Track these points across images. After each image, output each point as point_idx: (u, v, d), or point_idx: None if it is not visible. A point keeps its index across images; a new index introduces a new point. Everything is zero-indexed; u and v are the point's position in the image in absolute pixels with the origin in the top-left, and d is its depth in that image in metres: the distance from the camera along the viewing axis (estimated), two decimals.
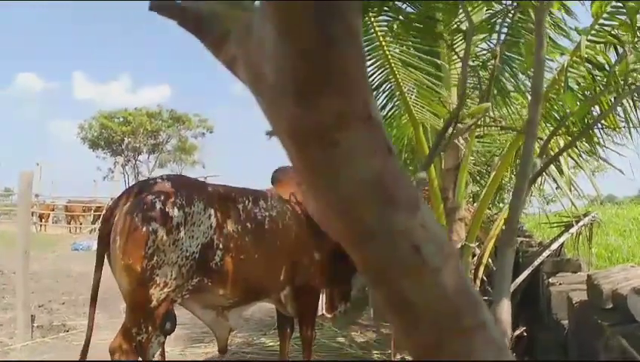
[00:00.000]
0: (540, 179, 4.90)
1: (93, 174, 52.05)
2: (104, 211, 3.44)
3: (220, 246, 3.38)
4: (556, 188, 5.34)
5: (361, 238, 0.69)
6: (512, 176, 5.22)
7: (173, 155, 39.40)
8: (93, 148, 38.53)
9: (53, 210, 26.17)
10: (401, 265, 0.68)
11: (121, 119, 37.54)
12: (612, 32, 3.45)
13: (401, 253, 0.67)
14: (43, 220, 24.97)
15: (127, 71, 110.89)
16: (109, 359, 3.26)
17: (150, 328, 3.19)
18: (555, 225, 5.61)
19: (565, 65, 3.28)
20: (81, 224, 25.93)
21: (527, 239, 6.96)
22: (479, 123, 3.32)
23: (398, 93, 3.54)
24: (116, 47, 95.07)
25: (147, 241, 3.03)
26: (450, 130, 2.35)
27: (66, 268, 12.31)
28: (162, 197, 3.16)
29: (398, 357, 5.19)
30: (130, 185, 3.53)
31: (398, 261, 0.68)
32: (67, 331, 6.26)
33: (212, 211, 3.36)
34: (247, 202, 3.72)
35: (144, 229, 3.04)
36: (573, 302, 3.49)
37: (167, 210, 3.12)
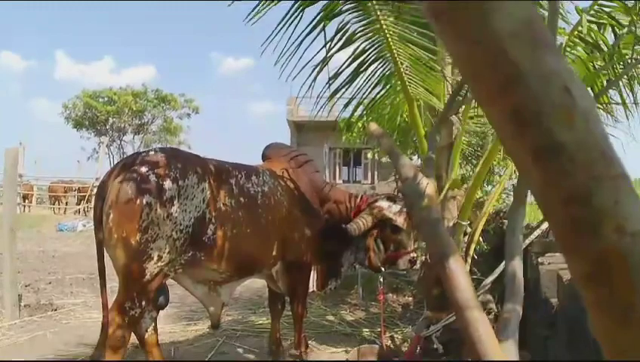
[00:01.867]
0: None
1: (78, 154, 51.64)
2: (98, 184, 3.36)
3: (213, 220, 3.36)
4: None
5: (512, 81, 0.69)
6: (504, 160, 5.25)
7: (158, 136, 39.02)
8: (78, 128, 38.05)
9: (31, 190, 25.82)
10: (553, 105, 0.68)
11: (106, 98, 37.06)
12: (611, 14, 3.46)
13: (553, 94, 0.68)
14: (27, 201, 24.70)
15: (111, 50, 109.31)
16: (99, 336, 3.25)
17: (143, 302, 3.16)
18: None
19: (564, 45, 3.28)
20: (66, 204, 25.65)
21: None
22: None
23: (393, 68, 3.52)
24: (100, 26, 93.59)
25: (141, 214, 2.99)
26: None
27: (52, 248, 12.30)
28: (156, 170, 3.11)
29: (387, 335, 5.24)
30: (123, 158, 3.47)
31: (550, 102, 0.68)
32: (55, 310, 6.24)
33: (205, 185, 3.33)
34: (239, 177, 3.70)
35: (138, 202, 3.00)
36: (564, 279, 3.52)
37: (161, 182, 3.08)
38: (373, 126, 1.91)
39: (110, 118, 37.53)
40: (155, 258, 3.08)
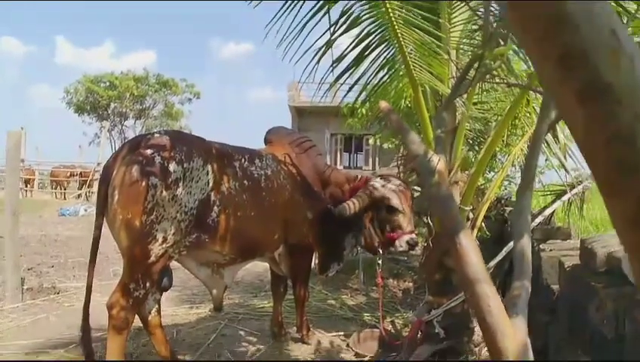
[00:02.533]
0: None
1: (79, 140, 51.56)
2: (102, 167, 3.36)
3: (217, 202, 3.37)
4: (545, 161, 5.38)
5: (560, 22, 0.70)
6: (506, 146, 5.23)
7: (159, 121, 38.91)
8: (79, 113, 37.99)
9: (32, 175, 25.80)
10: (600, 46, 0.69)
11: (107, 83, 36.94)
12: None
13: (601, 35, 0.69)
14: (29, 186, 24.71)
15: (111, 36, 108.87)
16: (101, 319, 3.28)
17: (148, 284, 3.18)
18: (546, 193, 5.64)
19: None
20: (64, 190, 25.64)
21: None
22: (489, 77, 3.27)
23: (398, 52, 3.50)
24: (101, 10, 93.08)
25: (147, 196, 2.99)
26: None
27: (54, 232, 12.30)
28: (161, 152, 3.11)
29: (388, 319, 5.27)
30: (127, 140, 3.47)
31: (597, 42, 0.69)
32: (57, 293, 6.25)
33: (210, 168, 3.33)
34: (243, 160, 3.71)
35: (143, 184, 3.00)
36: (565, 266, 3.52)
37: (166, 164, 3.09)
38: (383, 103, 1.91)
39: (112, 103, 37.43)
40: (160, 239, 3.09)
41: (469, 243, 1.71)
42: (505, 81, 3.65)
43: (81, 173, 25.29)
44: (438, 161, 1.82)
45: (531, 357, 1.67)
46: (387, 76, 3.91)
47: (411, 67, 3.48)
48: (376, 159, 21.83)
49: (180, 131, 3.50)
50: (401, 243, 4.05)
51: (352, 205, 3.98)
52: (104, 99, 36.76)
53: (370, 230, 4.16)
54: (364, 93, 4.15)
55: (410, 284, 6.90)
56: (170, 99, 39.54)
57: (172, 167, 3.10)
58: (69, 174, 25.62)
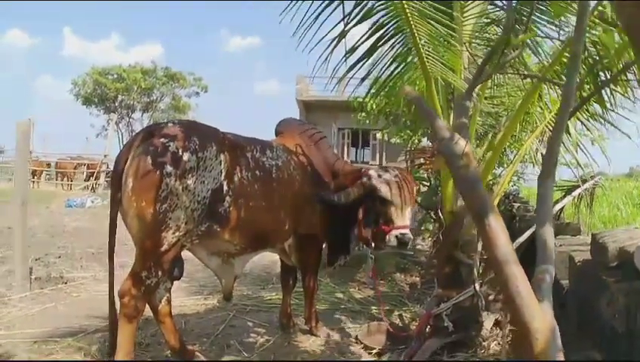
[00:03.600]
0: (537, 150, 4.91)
1: (86, 132, 51.81)
2: (116, 156, 3.36)
3: (230, 192, 3.38)
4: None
5: None
6: (517, 142, 5.21)
7: (166, 114, 38.97)
8: (87, 105, 38.15)
9: (49, 166, 25.87)
10: None
11: (115, 75, 37.07)
12: None
13: None
14: (36, 177, 24.78)
15: (118, 28, 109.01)
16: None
17: (160, 272, 3.20)
18: (555, 189, 5.61)
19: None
20: (71, 181, 25.69)
21: (525, 204, 6.98)
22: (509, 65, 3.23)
23: (411, 44, 3.48)
24: (108, 3, 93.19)
25: (161, 184, 3.01)
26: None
27: (61, 223, 12.33)
28: (176, 141, 3.13)
29: (396, 313, 5.27)
30: (142, 128, 3.48)
31: None
32: (65, 283, 6.27)
33: (223, 157, 3.34)
34: (255, 151, 3.71)
35: (157, 172, 3.01)
36: (576, 260, 3.51)
37: (180, 153, 3.10)
38: (408, 88, 1.92)
39: (119, 95, 37.58)
40: (173, 228, 3.10)
41: (497, 225, 1.71)
42: (520, 72, 3.62)
43: (88, 165, 25.34)
44: (465, 144, 1.82)
45: (559, 342, 1.67)
46: (400, 68, 3.88)
47: (424, 59, 3.46)
48: (383, 154, 21.80)
49: (194, 121, 3.50)
50: (390, 238, 3.91)
51: (347, 194, 3.95)
52: (112, 91, 36.88)
53: (363, 221, 4.08)
54: (375, 86, 4.11)
55: (417, 279, 6.89)
56: (178, 92, 39.72)
57: (186, 156, 3.11)
58: (75, 166, 25.66)
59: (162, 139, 3.11)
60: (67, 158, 26.88)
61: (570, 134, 4.58)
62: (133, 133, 3.57)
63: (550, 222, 1.82)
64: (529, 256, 4.49)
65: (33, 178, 24.01)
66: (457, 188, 2.49)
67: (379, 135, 8.79)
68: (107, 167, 23.93)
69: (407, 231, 3.91)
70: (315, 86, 23.78)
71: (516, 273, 1.64)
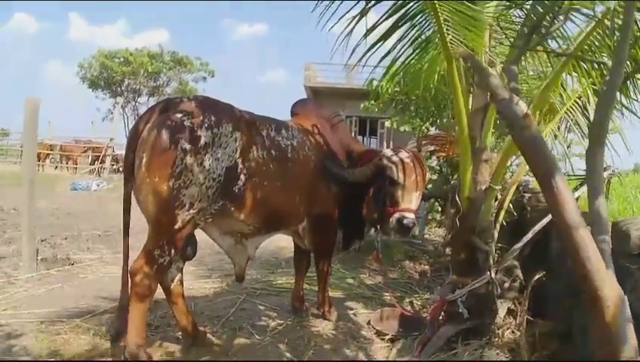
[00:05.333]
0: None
1: (91, 116, 51.85)
2: (129, 132, 3.27)
3: (245, 171, 3.30)
4: (568, 147, 5.27)
5: None
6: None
7: None
8: (93, 89, 38.02)
9: (51, 148, 25.78)
10: None
11: (122, 59, 36.87)
12: None
13: None
14: (41, 160, 24.69)
15: (125, 13, 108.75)
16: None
17: (172, 250, 3.12)
18: (572, 178, 5.51)
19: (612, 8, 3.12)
20: (76, 165, 25.57)
21: (536, 195, 6.89)
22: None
23: (434, 23, 3.39)
24: None
25: (175, 160, 2.92)
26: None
27: (66, 206, 12.31)
28: (191, 117, 3.04)
29: (407, 300, 5.20)
30: (157, 102, 3.39)
31: None
32: (71, 264, 6.23)
33: (238, 134, 3.26)
34: (270, 130, 3.63)
35: (172, 148, 2.93)
36: None
37: (196, 129, 3.01)
38: (461, 49, 1.85)
39: (126, 79, 37.42)
40: (187, 205, 3.03)
41: (565, 188, 1.66)
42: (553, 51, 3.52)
43: (93, 148, 25.28)
44: (527, 106, 1.76)
45: (628, 310, 1.61)
46: (420, 50, 3.80)
47: (447, 39, 3.38)
48: (391, 143, 21.68)
49: (209, 97, 3.41)
50: (392, 221, 3.77)
51: (357, 172, 3.89)
52: (118, 75, 36.69)
53: (371, 201, 3.99)
54: (394, 68, 4.01)
55: (427, 267, 6.83)
56: (185, 77, 39.50)
57: (201, 132, 3.03)
58: (84, 149, 25.57)
59: (178, 114, 3.03)
60: (72, 141, 26.80)
61: (590, 120, 4.48)
62: (152, 105, 3.45)
63: (602, 193, 1.76)
64: (539, 247, 4.44)
65: (38, 161, 23.91)
66: (520, 150, 2.42)
67: (387, 123, 8.67)
68: (113, 151, 23.88)
69: (410, 215, 3.75)
70: (323, 73, 23.76)
71: (586, 238, 1.58)
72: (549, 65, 4.21)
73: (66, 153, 26.02)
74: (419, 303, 5.19)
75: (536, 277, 4.05)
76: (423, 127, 7.72)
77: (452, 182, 7.18)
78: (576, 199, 5.22)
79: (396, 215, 3.76)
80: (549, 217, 4.48)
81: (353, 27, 3.31)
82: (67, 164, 26.08)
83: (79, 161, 25.73)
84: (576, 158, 6.11)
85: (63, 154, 26.29)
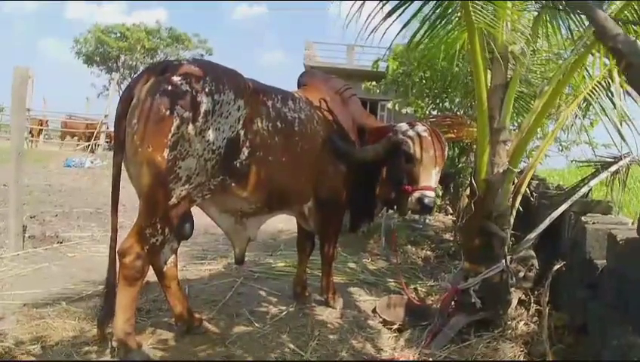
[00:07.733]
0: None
1: (86, 91, 51.42)
2: (122, 92, 2.95)
3: (247, 143, 3.01)
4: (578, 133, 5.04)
5: None
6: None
7: None
8: (88, 64, 37.62)
9: (41, 123, 25.37)
10: None
11: (118, 34, 36.45)
12: None
13: None
14: (34, 136, 24.34)
15: None
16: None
17: (166, 229, 2.83)
18: (585, 164, 5.27)
19: None
20: (79, 141, 25.19)
21: (543, 182, 6.69)
22: None
23: None
24: None
25: (171, 127, 2.62)
26: None
27: (58, 182, 12.13)
28: (189, 81, 2.72)
29: (411, 286, 4.96)
30: (152, 64, 3.07)
31: None
32: (60, 242, 6.02)
33: (241, 103, 2.94)
34: (276, 100, 3.32)
35: (168, 113, 2.62)
36: (618, 238, 3.20)
37: (194, 94, 2.70)
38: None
39: (122, 55, 37.04)
40: (183, 179, 2.74)
41: None
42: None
43: (87, 125, 24.97)
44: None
45: None
46: (444, 19, 3.50)
47: (470, 8, 3.11)
48: None
49: (212, 61, 3.10)
50: (412, 200, 3.51)
51: (370, 149, 3.63)
52: (114, 50, 36.32)
53: (386, 180, 3.76)
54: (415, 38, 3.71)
55: (429, 253, 6.60)
56: (182, 54, 38.92)
57: (201, 97, 2.72)
58: (86, 126, 25.20)
59: (175, 77, 2.71)
60: (69, 118, 26.48)
61: (614, 104, 4.22)
62: (147, 66, 3.13)
63: None
64: (549, 234, 4.23)
65: (32, 137, 23.58)
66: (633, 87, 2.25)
67: (389, 105, 8.41)
68: (107, 128, 23.56)
69: (431, 193, 3.51)
70: (322, 52, 23.48)
71: None
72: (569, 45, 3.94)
73: (71, 130, 25.71)
74: (423, 290, 4.95)
75: (556, 267, 3.79)
76: (426, 110, 7.47)
77: (459, 165, 6.96)
78: (590, 188, 5.02)
79: (416, 194, 3.49)
80: (568, 204, 4.27)
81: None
82: (64, 139, 25.77)
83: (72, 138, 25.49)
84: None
85: (69, 131, 25.96)
